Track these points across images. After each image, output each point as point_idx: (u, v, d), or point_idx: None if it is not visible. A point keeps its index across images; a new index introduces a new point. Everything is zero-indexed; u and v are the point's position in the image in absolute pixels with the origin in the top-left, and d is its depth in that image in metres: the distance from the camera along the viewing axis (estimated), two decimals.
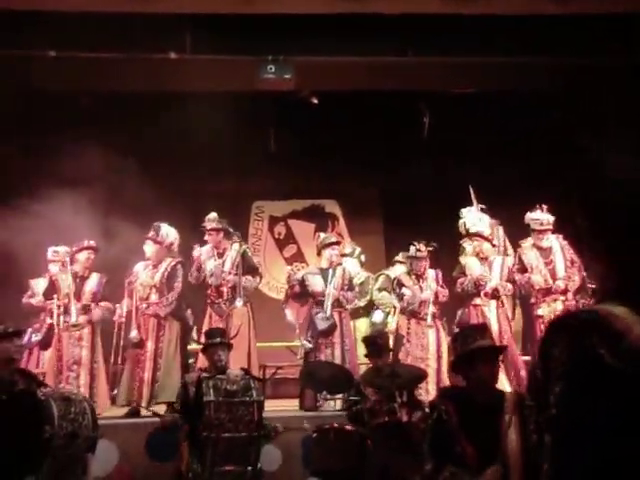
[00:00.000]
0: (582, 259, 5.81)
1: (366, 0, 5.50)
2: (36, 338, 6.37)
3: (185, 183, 7.56)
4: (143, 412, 5.61)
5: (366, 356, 4.81)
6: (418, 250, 6.04)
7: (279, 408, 5.80)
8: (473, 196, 6.39)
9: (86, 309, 5.93)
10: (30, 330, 6.38)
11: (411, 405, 4.18)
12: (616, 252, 1.22)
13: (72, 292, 5.91)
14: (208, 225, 6.21)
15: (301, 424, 4.27)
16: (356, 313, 6.60)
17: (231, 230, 6.19)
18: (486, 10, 5.55)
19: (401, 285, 6.10)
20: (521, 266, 6.04)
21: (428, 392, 5.50)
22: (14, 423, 3.09)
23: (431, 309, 5.94)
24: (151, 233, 6.12)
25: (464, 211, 6.41)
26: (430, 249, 6.09)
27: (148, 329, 5.88)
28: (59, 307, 5.91)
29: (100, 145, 5.94)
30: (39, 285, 6.44)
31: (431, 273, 6.12)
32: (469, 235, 6.25)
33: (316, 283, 6.03)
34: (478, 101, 6.90)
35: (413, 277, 6.10)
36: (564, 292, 5.87)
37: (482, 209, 6.38)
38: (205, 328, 5.69)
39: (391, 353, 4.93)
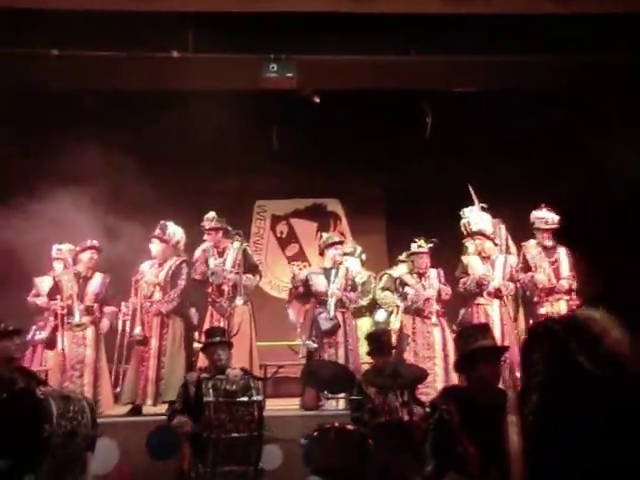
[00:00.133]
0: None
1: None
2: (40, 336, 6.39)
3: (188, 182, 7.56)
4: (145, 410, 5.62)
5: (368, 354, 4.80)
6: (419, 246, 6.05)
7: (280, 407, 5.80)
8: (474, 195, 6.37)
9: (89, 310, 5.94)
10: (34, 328, 6.41)
11: (413, 405, 4.16)
12: (599, 254, 1.21)
13: (75, 293, 5.92)
14: (207, 224, 6.22)
15: (302, 423, 4.26)
16: (358, 312, 6.59)
17: (230, 229, 6.19)
18: (485, 10, 5.54)
19: (404, 284, 6.10)
20: (525, 265, 6.02)
21: (437, 391, 5.48)
22: (14, 422, 3.09)
23: (435, 307, 5.93)
24: (157, 232, 6.13)
25: (466, 210, 6.40)
26: (430, 245, 6.09)
27: (152, 327, 5.89)
28: (62, 308, 5.92)
29: (103, 144, 5.95)
30: (44, 283, 6.46)
31: (433, 272, 6.13)
32: (471, 234, 6.24)
33: (319, 283, 6.03)
34: (481, 100, 6.88)
35: (415, 276, 6.11)
36: (568, 292, 5.85)
37: (483, 208, 6.37)
38: (206, 327, 5.69)
39: (394, 351, 4.93)
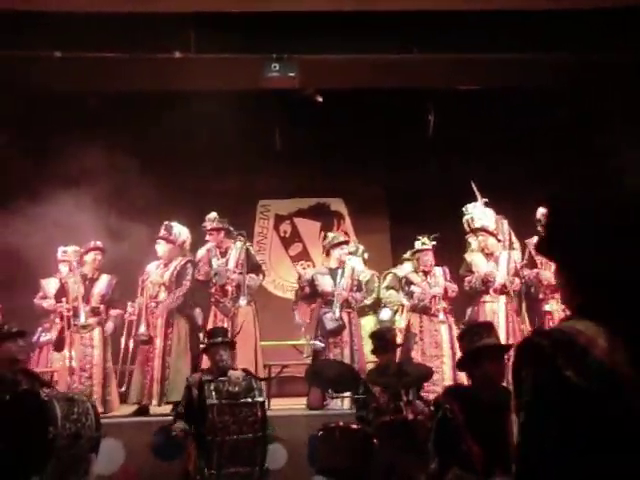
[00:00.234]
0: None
1: None
2: (45, 338, 6.41)
3: (191, 182, 7.56)
4: (152, 410, 5.63)
5: (372, 352, 4.80)
6: (423, 243, 6.06)
7: (285, 407, 5.80)
8: (476, 191, 6.35)
9: (95, 311, 5.95)
10: (40, 329, 6.43)
11: (417, 403, 4.16)
12: (583, 262, 1.20)
13: (81, 294, 5.93)
14: (208, 225, 6.22)
15: (307, 423, 4.26)
16: (362, 311, 6.58)
17: (232, 229, 6.19)
18: (486, 6, 5.52)
19: (410, 283, 6.09)
20: (530, 261, 5.99)
21: None
22: (18, 423, 3.10)
23: (442, 305, 5.92)
24: (163, 232, 6.13)
25: (469, 207, 6.38)
26: (434, 242, 6.08)
27: (156, 327, 5.90)
28: (68, 310, 5.94)
29: (105, 145, 5.96)
30: (50, 285, 6.49)
31: (439, 270, 6.12)
32: (474, 230, 6.23)
33: (325, 283, 6.04)
34: (483, 98, 6.86)
35: (421, 274, 6.10)
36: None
37: (486, 203, 6.34)
38: (210, 327, 5.69)
39: (399, 350, 4.92)
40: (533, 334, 1.23)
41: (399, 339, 5.56)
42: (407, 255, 6.58)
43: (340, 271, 6.07)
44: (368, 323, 6.62)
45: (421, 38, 5.89)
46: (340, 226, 8.57)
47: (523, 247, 6.25)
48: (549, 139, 7.08)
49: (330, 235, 6.54)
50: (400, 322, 6.33)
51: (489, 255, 6.07)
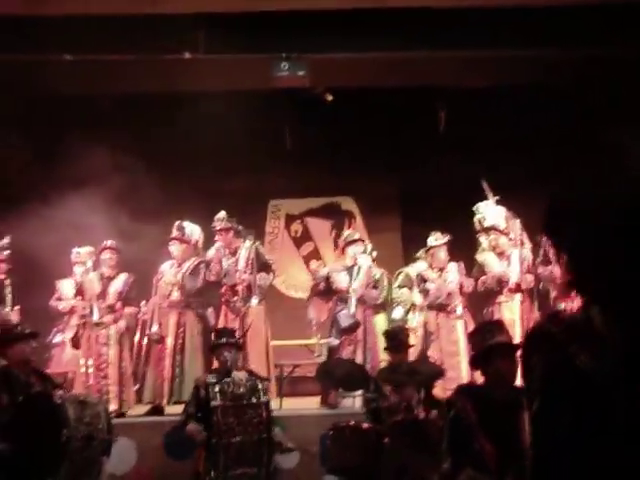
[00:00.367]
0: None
1: None
2: (59, 338, 6.47)
3: (201, 182, 7.57)
4: (166, 410, 5.65)
5: (385, 350, 4.78)
6: (436, 239, 6.02)
7: (296, 407, 5.79)
8: (487, 190, 6.30)
9: (111, 308, 5.96)
10: (55, 330, 6.48)
11: (429, 402, 4.14)
12: (597, 255, 1.18)
13: (95, 293, 5.96)
14: (217, 225, 6.24)
15: (318, 422, 4.26)
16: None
17: (241, 228, 6.20)
18: (490, 3, 5.48)
19: (424, 280, 6.05)
20: (545, 258, 5.93)
21: None
22: (31, 426, 3.11)
23: (458, 300, 5.87)
24: (176, 233, 6.16)
25: (481, 206, 6.33)
26: (447, 238, 6.07)
27: (168, 326, 5.92)
28: (84, 308, 5.97)
29: (115, 146, 6.00)
30: (65, 286, 6.54)
31: (453, 265, 6.06)
32: (485, 229, 6.18)
33: (341, 280, 6.04)
34: (495, 96, 6.81)
35: (436, 270, 6.05)
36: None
37: (498, 201, 6.29)
38: (220, 327, 5.70)
39: (410, 350, 4.89)
40: (543, 321, 1.21)
41: (412, 338, 5.53)
42: (420, 253, 6.54)
43: (356, 268, 6.07)
44: (378, 322, 6.59)
45: (429, 35, 5.85)
46: (351, 225, 8.54)
47: (534, 245, 6.19)
48: (560, 136, 7.01)
49: (345, 232, 6.57)
50: (412, 321, 6.29)
51: (500, 254, 6.02)
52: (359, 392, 4.73)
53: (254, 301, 5.88)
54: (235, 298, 6.01)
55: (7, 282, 6.12)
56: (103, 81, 6.29)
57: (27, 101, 6.34)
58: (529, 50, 5.88)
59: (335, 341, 5.84)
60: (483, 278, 5.95)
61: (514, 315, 5.81)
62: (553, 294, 5.96)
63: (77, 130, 6.35)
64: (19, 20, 5.39)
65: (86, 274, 6.16)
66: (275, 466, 3.95)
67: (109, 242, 6.15)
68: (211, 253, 6.25)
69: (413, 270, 6.48)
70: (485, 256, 6.10)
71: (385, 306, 6.61)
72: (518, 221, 6.20)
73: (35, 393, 3.30)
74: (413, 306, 6.36)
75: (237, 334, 4.75)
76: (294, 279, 8.35)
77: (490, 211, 6.22)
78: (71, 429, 3.13)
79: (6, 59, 5.68)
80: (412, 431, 3.79)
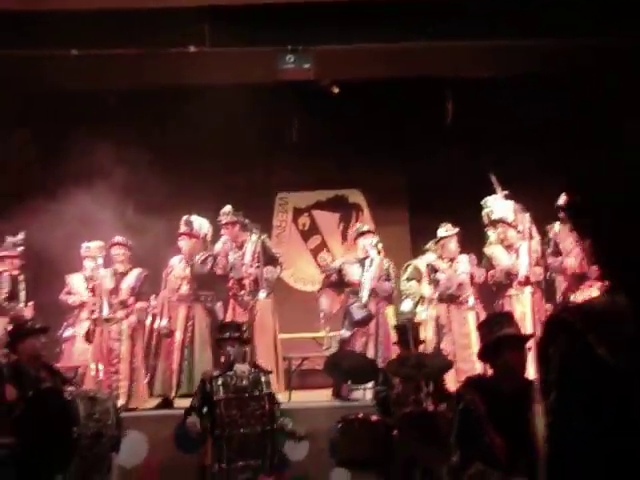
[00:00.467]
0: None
1: None
2: (69, 332, 6.51)
3: (207, 176, 7.58)
4: (176, 403, 5.68)
5: (395, 344, 4.77)
6: (447, 230, 5.99)
7: (305, 399, 5.80)
8: (495, 183, 6.26)
9: (123, 304, 5.98)
10: (65, 324, 6.53)
11: (438, 395, 4.13)
12: (623, 238, 1.15)
13: (105, 288, 5.98)
14: (223, 219, 6.24)
15: (327, 415, 4.26)
16: None
17: (247, 222, 6.20)
18: None
19: (435, 270, 6.02)
20: (555, 249, 5.89)
21: None
22: (41, 421, 3.13)
23: (469, 291, 5.83)
24: (184, 228, 6.16)
25: (489, 199, 6.30)
26: (457, 229, 6.04)
27: (177, 319, 5.94)
28: (94, 304, 6.01)
29: (122, 141, 5.99)
30: (75, 280, 6.59)
31: (464, 257, 6.04)
32: (492, 222, 6.14)
33: (353, 272, 6.04)
34: (502, 86, 6.76)
35: (447, 260, 6.02)
36: (599, 278, 5.69)
37: (506, 195, 6.25)
38: (224, 321, 5.71)
39: (422, 345, 4.88)
40: (561, 309, 1.19)
41: (422, 332, 5.51)
42: (429, 245, 6.52)
43: (369, 261, 6.05)
44: (387, 313, 6.59)
45: (436, 26, 5.80)
46: (359, 218, 8.52)
47: (543, 236, 6.16)
48: (569, 127, 6.95)
49: (357, 225, 6.52)
50: (421, 314, 6.28)
51: (509, 247, 5.99)
52: (370, 384, 4.73)
53: (261, 295, 5.88)
54: (242, 292, 6.02)
55: (21, 278, 6.16)
56: (108, 76, 6.28)
57: (33, 97, 6.35)
58: (535, 40, 5.82)
59: (347, 333, 5.83)
60: (492, 272, 5.92)
61: (525, 308, 5.78)
62: (563, 285, 5.93)
63: (83, 125, 6.37)
64: (24, 16, 5.39)
65: (97, 270, 6.19)
66: (284, 457, 3.96)
67: (118, 238, 6.16)
68: (218, 247, 6.25)
69: (422, 262, 6.46)
70: (493, 249, 6.06)
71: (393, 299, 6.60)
72: (527, 214, 6.16)
73: (45, 388, 3.31)
74: (422, 299, 6.34)
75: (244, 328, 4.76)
76: (302, 272, 8.35)
77: (498, 204, 6.19)
78: (81, 426, 3.15)
79: (12, 55, 5.70)
80: (421, 423, 3.79)
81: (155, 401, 5.85)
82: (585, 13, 5.56)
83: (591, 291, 5.64)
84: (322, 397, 5.84)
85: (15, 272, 6.18)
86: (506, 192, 6.24)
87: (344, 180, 8.40)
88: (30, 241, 6.17)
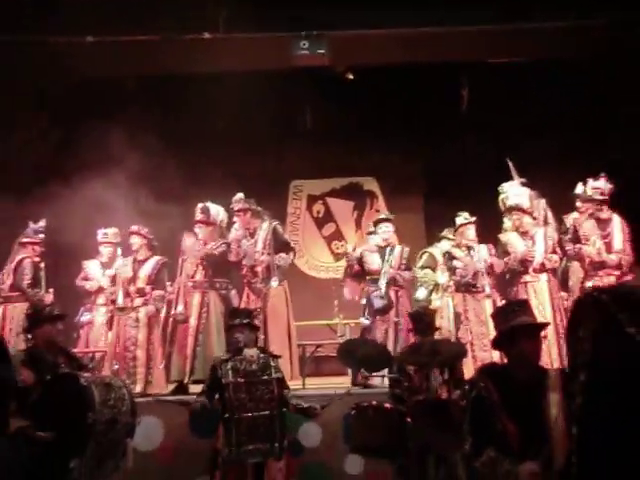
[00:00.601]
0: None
1: None
2: (86, 317, 6.59)
3: (222, 164, 7.59)
4: (191, 389, 5.74)
5: (411, 331, 4.76)
6: (466, 218, 5.95)
7: (320, 386, 5.83)
8: (513, 170, 6.20)
9: (141, 292, 6.03)
10: (82, 309, 6.61)
11: (453, 382, 4.12)
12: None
13: (123, 275, 6.03)
14: (235, 206, 6.24)
15: (341, 401, 4.27)
16: None
17: (259, 209, 6.20)
18: None
19: (452, 258, 5.98)
20: (575, 236, 5.82)
21: None
22: (58, 406, 3.17)
23: (486, 280, 5.79)
24: (200, 216, 6.15)
25: (505, 185, 6.24)
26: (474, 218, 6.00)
27: (192, 305, 5.97)
28: (112, 294, 6.08)
29: (137, 127, 6.00)
30: (91, 266, 6.64)
31: (483, 247, 5.99)
32: (508, 209, 6.09)
33: (373, 261, 6.02)
34: (518, 72, 6.67)
35: (464, 249, 5.98)
36: (617, 267, 5.64)
37: (523, 183, 6.19)
38: (234, 308, 5.73)
39: (438, 331, 4.87)
40: (592, 290, 1.16)
41: (437, 320, 5.50)
42: (446, 232, 6.47)
43: (389, 249, 6.03)
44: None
45: (451, 10, 5.72)
46: (373, 205, 8.51)
47: (559, 223, 6.10)
48: (586, 113, 6.86)
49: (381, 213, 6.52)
50: (436, 302, 6.26)
51: (524, 234, 5.93)
52: (386, 372, 4.73)
53: (274, 283, 5.89)
54: (255, 279, 6.03)
55: (42, 265, 6.23)
56: (124, 62, 6.30)
57: (50, 84, 6.38)
58: (553, 23, 5.74)
59: (366, 321, 5.84)
60: (506, 259, 5.88)
61: (542, 295, 5.73)
62: (581, 273, 5.87)
63: (98, 112, 6.40)
64: (40, 3, 5.41)
65: (113, 256, 6.23)
66: (298, 443, 3.99)
67: (133, 227, 6.19)
68: (231, 235, 6.27)
69: (437, 250, 6.42)
70: (508, 236, 6.01)
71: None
72: (543, 200, 6.09)
73: (62, 374, 3.35)
74: (437, 286, 6.31)
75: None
76: (316, 260, 8.36)
77: (513, 190, 6.12)
78: (96, 412, 3.18)
79: (30, 42, 5.73)
80: (435, 411, 3.78)
81: (172, 387, 5.91)
82: None
83: (609, 279, 5.58)
84: (336, 384, 5.86)
85: (36, 259, 6.25)
86: (523, 180, 6.18)
87: (358, 167, 8.38)
88: (49, 227, 6.24)
